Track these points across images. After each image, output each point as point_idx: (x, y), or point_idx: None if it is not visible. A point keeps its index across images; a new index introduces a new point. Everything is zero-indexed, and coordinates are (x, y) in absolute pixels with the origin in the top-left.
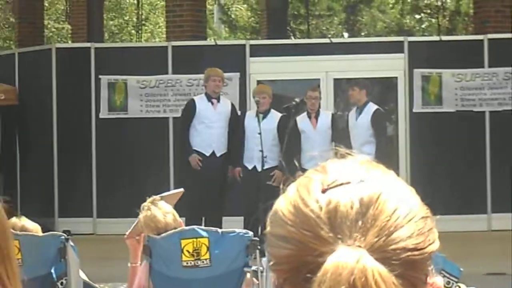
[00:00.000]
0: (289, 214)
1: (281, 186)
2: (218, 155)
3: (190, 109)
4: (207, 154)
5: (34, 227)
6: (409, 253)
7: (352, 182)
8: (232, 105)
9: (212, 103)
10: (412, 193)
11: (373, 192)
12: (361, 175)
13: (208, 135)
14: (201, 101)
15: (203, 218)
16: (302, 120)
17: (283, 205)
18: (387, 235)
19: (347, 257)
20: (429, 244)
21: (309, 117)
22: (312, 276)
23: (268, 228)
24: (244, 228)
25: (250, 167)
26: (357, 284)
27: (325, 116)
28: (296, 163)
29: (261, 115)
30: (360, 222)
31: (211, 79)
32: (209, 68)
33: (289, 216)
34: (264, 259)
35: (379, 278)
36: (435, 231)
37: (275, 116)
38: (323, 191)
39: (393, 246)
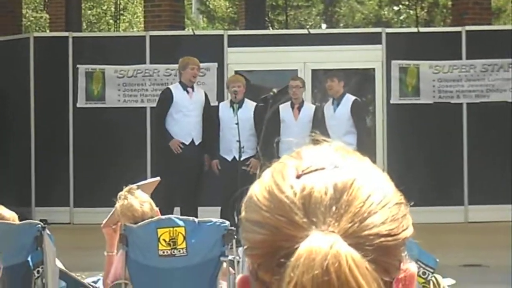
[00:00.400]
0: (263, 199)
1: (257, 174)
2: (196, 143)
3: (167, 98)
4: (187, 143)
5: (11, 216)
6: (383, 238)
7: (327, 168)
8: (205, 94)
9: (188, 92)
10: (387, 179)
11: (347, 178)
12: (335, 161)
13: (186, 123)
14: (177, 90)
15: (179, 208)
16: (284, 109)
17: (258, 190)
18: (361, 221)
19: (320, 242)
20: (403, 230)
21: (292, 107)
22: (286, 261)
23: (243, 214)
24: (221, 218)
25: (229, 158)
26: (331, 269)
27: (308, 108)
28: (275, 148)
29: (236, 105)
30: (334, 208)
31: (189, 67)
32: (185, 56)
33: (263, 202)
34: (241, 249)
35: (352, 263)
36: (409, 217)
37: (250, 105)
38: (298, 177)
39: (366, 232)
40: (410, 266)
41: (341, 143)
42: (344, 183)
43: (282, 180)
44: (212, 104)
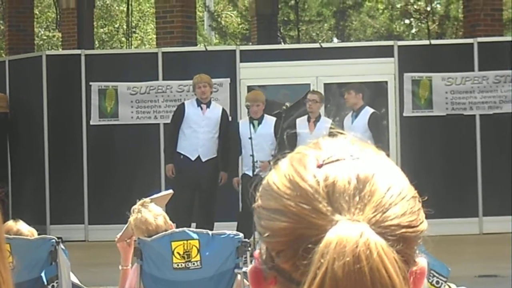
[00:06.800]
0: (284, 187)
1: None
2: (203, 160)
3: (179, 113)
4: (193, 159)
5: (29, 231)
6: (404, 230)
7: (347, 159)
8: (223, 110)
9: (202, 108)
10: (401, 173)
11: (368, 169)
12: (354, 153)
13: (195, 139)
14: (190, 106)
15: (195, 224)
16: (301, 123)
17: (276, 178)
18: (383, 211)
19: (350, 230)
20: (420, 223)
21: (308, 120)
22: (314, 247)
23: (259, 202)
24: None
25: (251, 173)
26: (362, 256)
27: (324, 122)
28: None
29: (255, 122)
30: (357, 198)
31: (197, 86)
32: (196, 75)
33: (284, 190)
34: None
35: (382, 251)
36: (422, 212)
37: (269, 121)
38: (319, 166)
39: (388, 222)
40: (421, 261)
41: (356, 136)
42: (366, 174)
43: (304, 169)
44: None
